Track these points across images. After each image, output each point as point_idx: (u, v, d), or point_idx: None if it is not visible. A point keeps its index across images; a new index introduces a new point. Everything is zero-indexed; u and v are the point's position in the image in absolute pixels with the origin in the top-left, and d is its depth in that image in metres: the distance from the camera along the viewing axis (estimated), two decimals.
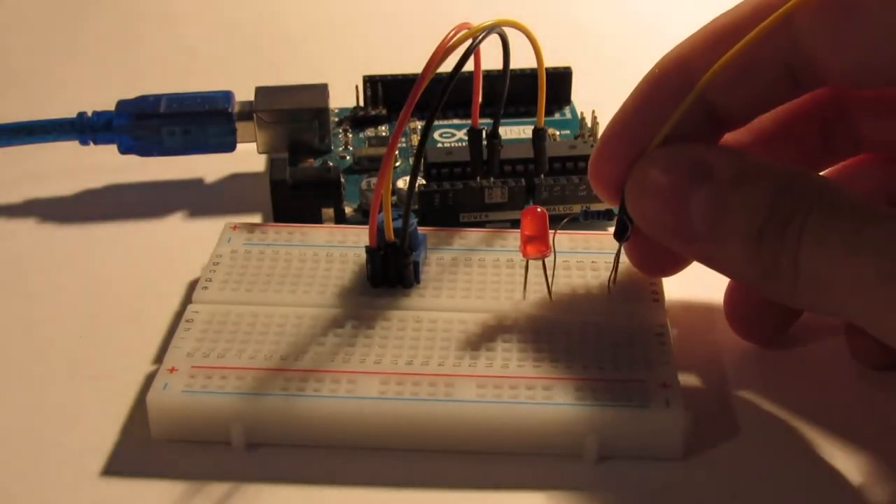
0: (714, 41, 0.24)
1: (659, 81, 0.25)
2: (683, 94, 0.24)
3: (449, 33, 0.25)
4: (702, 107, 0.24)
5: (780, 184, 0.23)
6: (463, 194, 0.31)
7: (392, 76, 0.37)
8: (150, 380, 0.26)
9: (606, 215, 0.28)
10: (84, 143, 0.34)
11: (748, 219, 0.23)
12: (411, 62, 0.26)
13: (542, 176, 0.32)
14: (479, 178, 0.32)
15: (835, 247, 0.22)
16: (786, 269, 0.22)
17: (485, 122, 0.31)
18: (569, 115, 0.38)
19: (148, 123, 0.34)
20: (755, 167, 0.23)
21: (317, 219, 0.32)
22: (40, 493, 0.24)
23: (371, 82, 0.37)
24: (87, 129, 0.34)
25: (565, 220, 0.27)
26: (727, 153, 0.24)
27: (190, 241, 0.32)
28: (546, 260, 0.27)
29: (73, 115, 0.34)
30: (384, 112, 0.37)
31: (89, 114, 0.34)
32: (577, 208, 0.32)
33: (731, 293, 0.28)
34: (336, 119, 0.38)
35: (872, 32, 0.22)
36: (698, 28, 0.25)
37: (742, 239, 0.23)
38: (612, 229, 0.27)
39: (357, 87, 0.37)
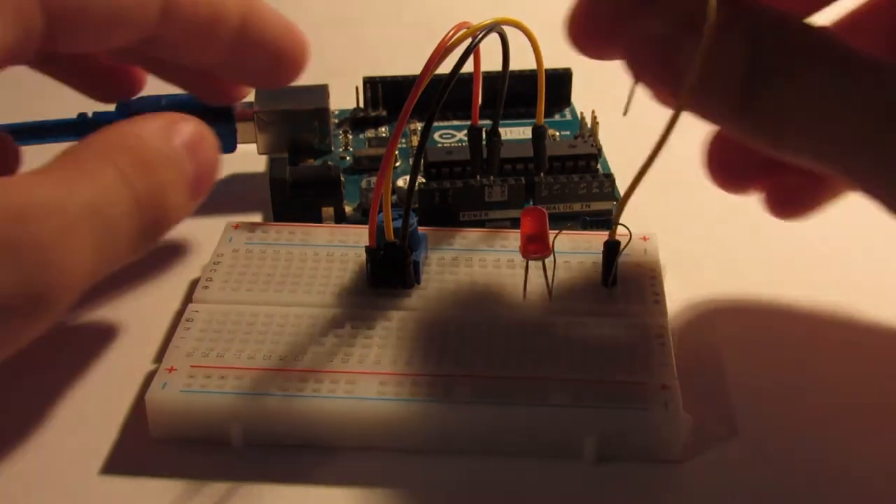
0: None
1: None
2: None
3: (448, 32, 0.25)
4: None
5: (762, 30, 0.22)
6: (462, 192, 0.31)
7: (392, 77, 0.37)
8: (150, 379, 0.26)
9: (605, 224, 0.28)
10: None
11: (731, 66, 0.22)
12: (411, 64, 0.26)
13: (542, 174, 0.32)
14: (478, 177, 0.32)
15: (825, 97, 0.21)
16: (772, 118, 0.22)
17: (485, 123, 0.31)
18: (569, 117, 0.38)
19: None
20: (738, 14, 0.23)
21: (317, 217, 0.32)
22: (40, 493, 0.24)
23: (371, 84, 0.37)
24: (87, 129, 0.34)
25: (568, 224, 0.27)
26: (720, 2, 0.23)
27: (191, 240, 0.32)
28: (546, 260, 0.27)
29: (74, 115, 0.34)
30: (384, 113, 0.37)
31: (90, 114, 0.34)
32: (577, 207, 0.32)
33: (713, 140, 0.27)
34: (336, 121, 0.38)
35: None
36: None
37: (728, 88, 0.23)
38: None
39: (357, 88, 0.37)
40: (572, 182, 0.32)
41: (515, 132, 0.36)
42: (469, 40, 0.26)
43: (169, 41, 0.27)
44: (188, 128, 0.26)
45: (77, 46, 0.25)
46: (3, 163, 0.29)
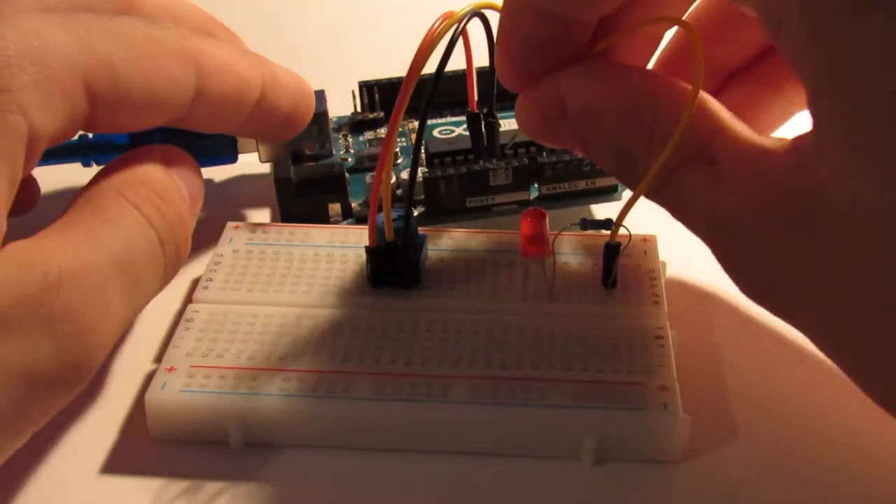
0: None
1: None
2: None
3: (434, 24, 0.26)
4: None
5: (621, 118, 0.24)
6: (467, 178, 0.32)
7: (387, 80, 0.37)
8: (150, 379, 0.26)
9: (606, 224, 0.28)
10: (86, 164, 0.34)
11: (604, 150, 0.25)
12: (405, 67, 0.26)
13: (545, 154, 0.32)
14: (482, 162, 0.32)
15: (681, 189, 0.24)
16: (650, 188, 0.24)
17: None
18: None
19: (149, 140, 0.34)
20: (598, 99, 0.25)
21: (324, 214, 0.32)
22: (40, 491, 0.24)
23: (367, 87, 0.37)
24: (88, 150, 0.34)
25: (568, 226, 0.28)
26: (580, 82, 0.25)
27: (195, 240, 0.32)
28: (546, 261, 0.27)
29: (75, 136, 0.34)
30: (382, 115, 0.37)
31: (90, 135, 0.34)
32: (582, 185, 0.32)
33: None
34: (334, 126, 0.38)
35: None
36: None
37: (608, 162, 0.25)
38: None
39: (353, 92, 0.37)
40: (576, 160, 0.32)
41: (513, 123, 0.36)
42: (454, 28, 0.26)
43: (196, 116, 0.28)
44: (176, 158, 0.27)
45: (112, 128, 0.26)
46: (26, 193, 0.29)
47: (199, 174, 0.28)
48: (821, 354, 0.28)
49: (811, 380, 0.27)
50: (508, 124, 0.36)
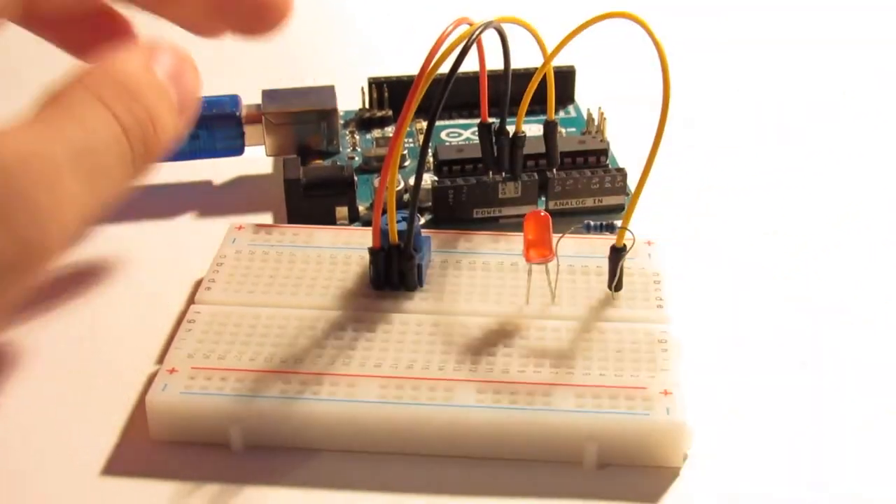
0: None
1: None
2: None
3: (447, 27, 0.25)
4: None
5: None
6: (476, 190, 0.31)
7: (397, 78, 0.37)
8: (151, 380, 0.26)
9: (609, 228, 0.28)
10: None
11: None
12: (416, 65, 0.26)
13: (555, 170, 0.32)
14: (491, 174, 0.32)
15: None
16: None
17: (495, 121, 0.31)
18: (573, 114, 0.38)
19: None
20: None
21: (330, 217, 0.32)
22: (40, 493, 0.24)
23: (376, 84, 0.37)
24: None
25: (571, 229, 0.27)
26: None
27: (198, 241, 0.32)
28: (549, 264, 0.27)
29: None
30: (390, 113, 0.37)
31: None
32: (589, 202, 0.32)
33: None
34: (342, 121, 0.38)
35: None
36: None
37: None
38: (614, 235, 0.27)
39: (363, 88, 0.37)
40: (585, 177, 0.32)
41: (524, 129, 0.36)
42: (468, 38, 0.26)
43: None
44: (168, 56, 0.26)
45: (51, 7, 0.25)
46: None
47: (194, 70, 0.27)
48: (825, 360, 0.28)
49: (813, 384, 0.27)
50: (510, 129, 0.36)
